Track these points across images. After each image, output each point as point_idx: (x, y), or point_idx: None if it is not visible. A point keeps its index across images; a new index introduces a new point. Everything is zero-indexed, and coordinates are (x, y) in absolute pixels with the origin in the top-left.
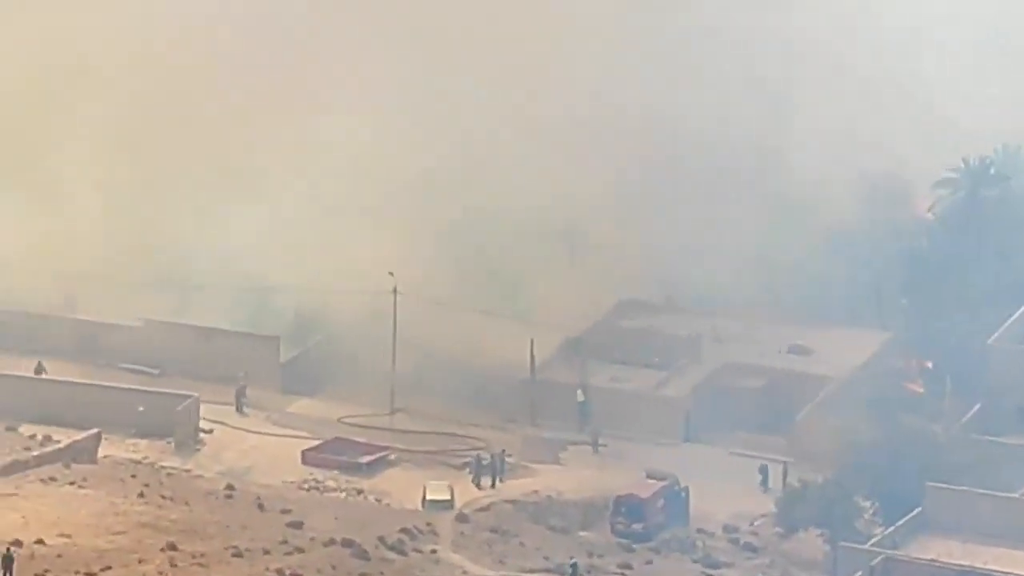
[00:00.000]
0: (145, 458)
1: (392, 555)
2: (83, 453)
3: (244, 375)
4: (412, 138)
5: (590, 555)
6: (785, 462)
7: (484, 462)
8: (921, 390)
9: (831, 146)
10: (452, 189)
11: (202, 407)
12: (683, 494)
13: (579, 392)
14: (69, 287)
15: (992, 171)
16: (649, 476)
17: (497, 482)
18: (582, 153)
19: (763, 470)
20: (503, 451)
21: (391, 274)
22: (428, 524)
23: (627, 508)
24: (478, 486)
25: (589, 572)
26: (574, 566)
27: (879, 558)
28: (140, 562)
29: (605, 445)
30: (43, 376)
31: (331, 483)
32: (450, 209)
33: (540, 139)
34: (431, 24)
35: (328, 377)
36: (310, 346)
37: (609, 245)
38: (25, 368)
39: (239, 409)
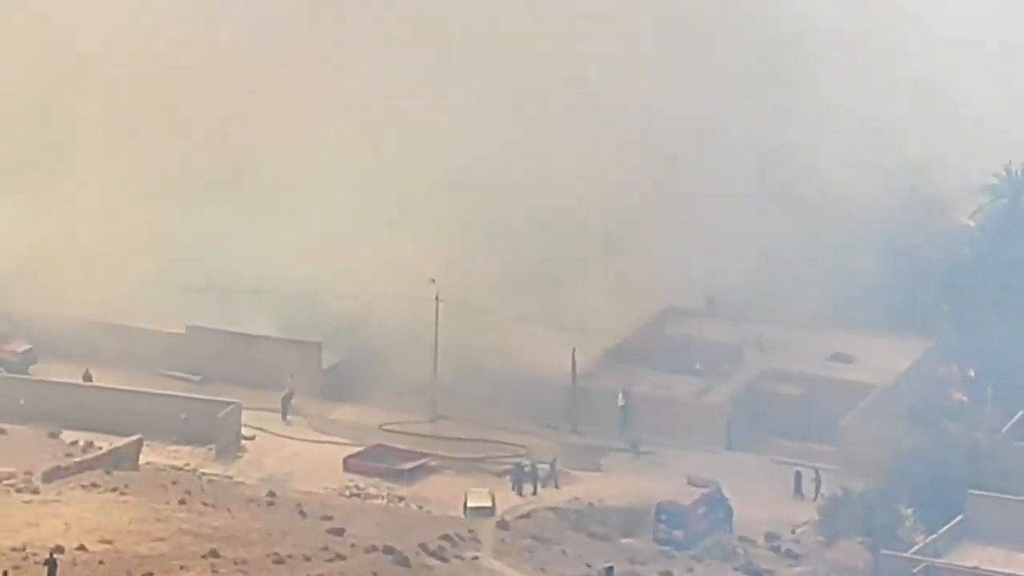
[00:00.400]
0: (187, 465)
1: (433, 562)
2: (124, 460)
3: (291, 381)
4: (451, 142)
5: (631, 562)
6: (817, 469)
7: (526, 469)
8: (963, 398)
9: (872, 152)
10: (492, 194)
11: (244, 414)
12: (726, 502)
13: (620, 396)
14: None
15: None
16: (690, 483)
17: (539, 489)
18: (623, 157)
19: (797, 477)
20: (555, 460)
21: (433, 281)
22: (469, 531)
23: (668, 515)
24: (519, 493)
25: None
26: (609, 570)
27: (921, 566)
28: (182, 568)
29: (649, 452)
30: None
31: (372, 490)
32: (491, 215)
33: (580, 143)
34: (462, 24)
35: (370, 384)
36: (351, 353)
37: (651, 251)
38: (68, 375)
39: (285, 416)
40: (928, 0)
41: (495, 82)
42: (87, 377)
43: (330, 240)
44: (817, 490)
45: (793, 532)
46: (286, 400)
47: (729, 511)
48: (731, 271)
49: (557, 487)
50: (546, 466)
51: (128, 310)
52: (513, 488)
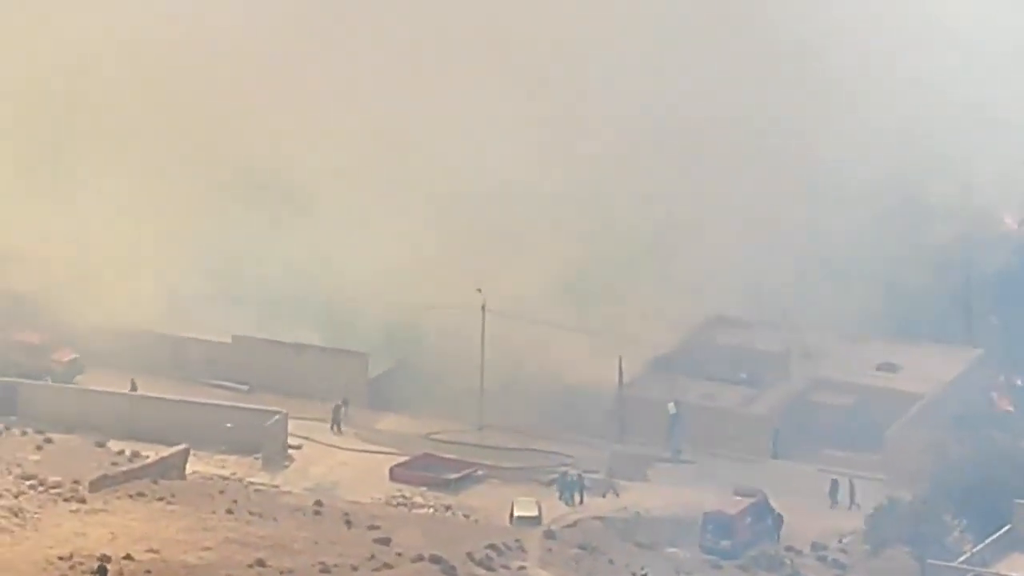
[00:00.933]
0: (233, 474)
1: (480, 571)
2: (171, 469)
3: (345, 400)
4: (493, 152)
5: (678, 572)
6: (851, 478)
7: (570, 478)
8: (1010, 407)
9: (921, 162)
10: (536, 202)
11: (290, 423)
12: (773, 511)
13: (671, 405)
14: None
15: None
16: (737, 493)
17: (584, 498)
18: (666, 165)
19: (833, 485)
20: (610, 470)
21: (479, 291)
22: (516, 540)
23: (715, 525)
24: (567, 503)
25: None
26: None
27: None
28: None
29: (691, 461)
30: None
31: (419, 499)
32: (535, 223)
33: (623, 149)
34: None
35: (416, 393)
36: (398, 362)
37: (698, 259)
38: (115, 384)
39: (336, 426)
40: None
41: (535, 87)
42: (133, 387)
43: (375, 249)
44: (852, 498)
45: (840, 541)
46: (337, 411)
47: (779, 520)
48: (778, 280)
49: (617, 495)
50: (596, 475)
51: (172, 319)
52: (560, 498)
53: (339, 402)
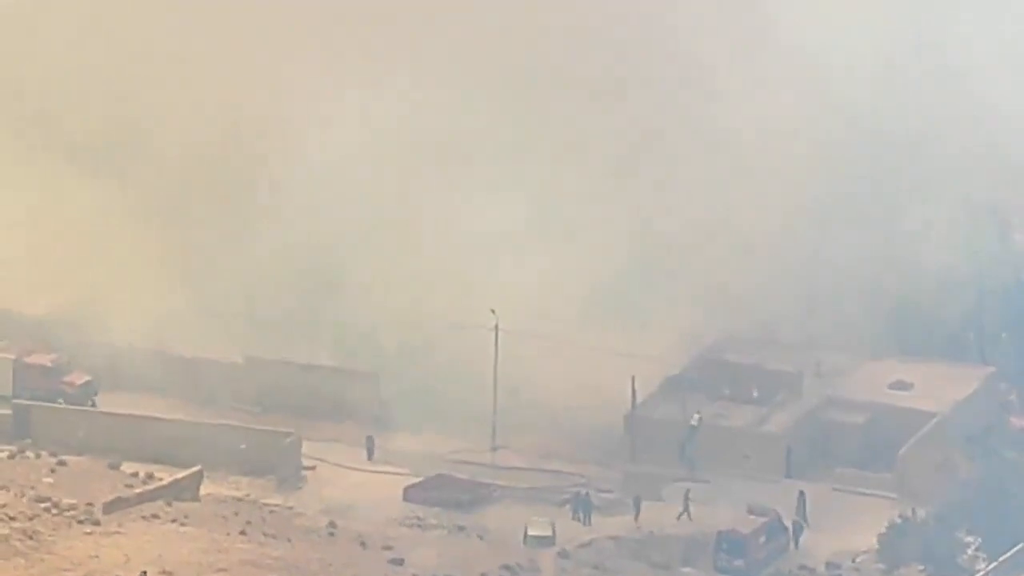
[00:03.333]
0: (247, 495)
1: None
2: (185, 491)
3: (371, 437)
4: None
5: None
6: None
7: (583, 498)
8: (1023, 424)
9: (928, 178)
10: (552, 220)
11: (304, 444)
12: (787, 530)
13: (695, 416)
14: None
15: None
16: (751, 512)
17: (594, 518)
18: (675, 180)
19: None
20: (638, 497)
21: (493, 312)
22: (530, 560)
23: (729, 544)
24: (583, 522)
25: None
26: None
27: None
28: None
29: (706, 481)
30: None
31: (433, 520)
32: (550, 241)
33: (637, 170)
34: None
35: (429, 414)
36: (411, 382)
37: (710, 277)
38: (129, 406)
39: (370, 456)
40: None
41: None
42: None
43: (389, 269)
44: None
45: (854, 560)
46: (370, 440)
47: (799, 528)
48: (790, 298)
49: (636, 520)
50: (610, 495)
51: (183, 340)
52: (574, 517)
53: (371, 434)
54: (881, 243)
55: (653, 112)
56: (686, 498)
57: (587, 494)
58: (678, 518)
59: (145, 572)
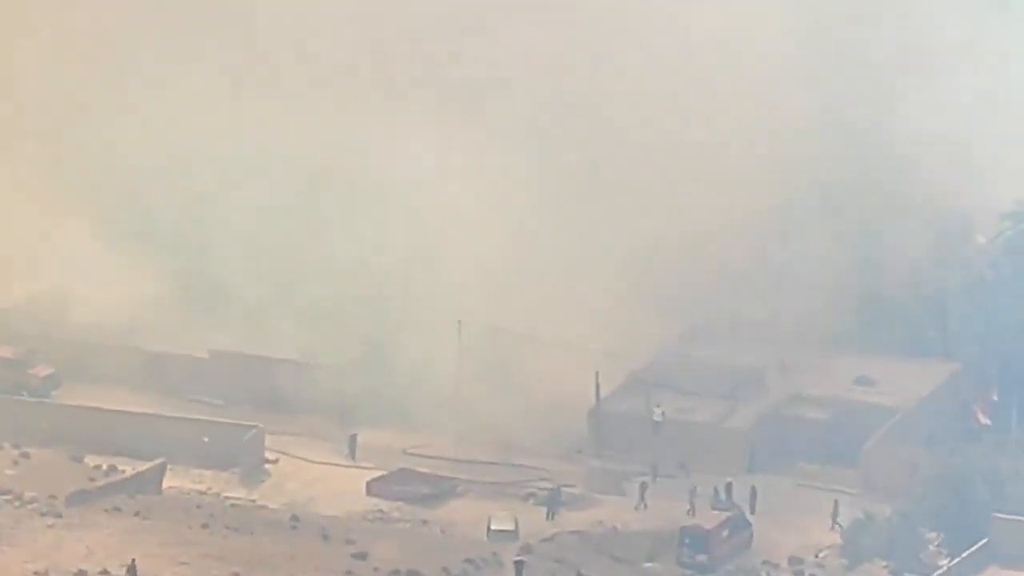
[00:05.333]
0: (210, 489)
1: None
2: (148, 484)
3: (354, 436)
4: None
5: None
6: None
7: (541, 492)
8: (987, 421)
9: (894, 176)
10: (516, 217)
11: (267, 438)
12: (750, 526)
13: (657, 411)
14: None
15: None
16: (714, 507)
17: (556, 514)
18: (639, 178)
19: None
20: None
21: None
22: (493, 554)
23: (692, 539)
24: (550, 518)
25: None
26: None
27: None
28: None
29: (671, 476)
30: None
31: (396, 513)
32: (515, 238)
33: (604, 167)
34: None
35: (393, 408)
36: (375, 376)
37: (673, 272)
38: (91, 399)
39: (353, 455)
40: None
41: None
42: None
43: (355, 263)
44: (834, 518)
45: (816, 556)
46: (352, 440)
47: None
48: (753, 293)
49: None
50: (574, 490)
51: (148, 333)
52: (548, 516)
53: (353, 433)
54: (846, 241)
55: (619, 113)
56: (642, 489)
57: (558, 489)
58: (635, 508)
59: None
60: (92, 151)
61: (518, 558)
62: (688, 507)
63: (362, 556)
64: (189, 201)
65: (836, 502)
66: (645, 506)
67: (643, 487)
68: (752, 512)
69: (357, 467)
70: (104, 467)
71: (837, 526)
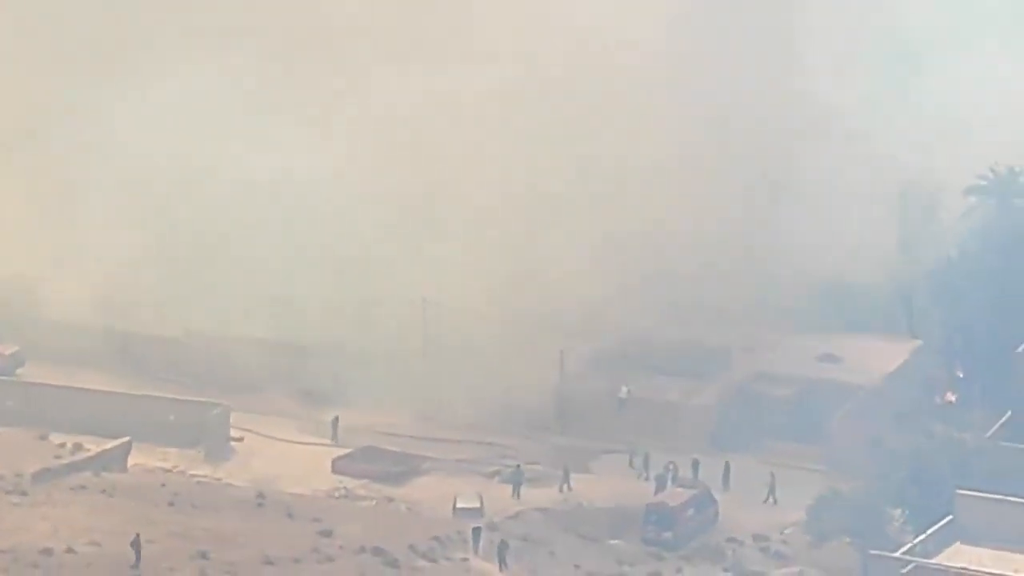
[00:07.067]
0: (175, 467)
1: (422, 563)
2: (113, 462)
3: (336, 418)
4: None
5: (620, 563)
6: (772, 473)
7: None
8: (951, 398)
9: (860, 153)
10: (491, 199)
11: (232, 416)
12: (715, 503)
13: (624, 389)
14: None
15: (1021, 181)
16: (679, 485)
17: (523, 491)
18: (615, 163)
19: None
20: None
21: (424, 299)
22: (458, 532)
23: (657, 516)
24: (516, 495)
25: None
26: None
27: (909, 566)
28: (170, 570)
29: (637, 454)
30: None
31: (361, 491)
32: (479, 216)
33: (570, 147)
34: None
35: (360, 386)
36: (341, 355)
37: (641, 251)
38: (56, 377)
39: (334, 438)
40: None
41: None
42: None
43: (324, 243)
44: (771, 493)
45: (781, 533)
46: (335, 422)
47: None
48: (719, 272)
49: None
50: (539, 467)
51: (116, 313)
52: (514, 494)
53: (336, 416)
54: (812, 220)
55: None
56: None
57: (519, 467)
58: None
59: None
60: (64, 141)
61: (476, 526)
62: (513, 491)
63: (328, 534)
64: (160, 185)
65: (772, 475)
66: (647, 478)
67: (646, 458)
68: (726, 489)
69: (323, 444)
70: (69, 445)
71: (771, 499)
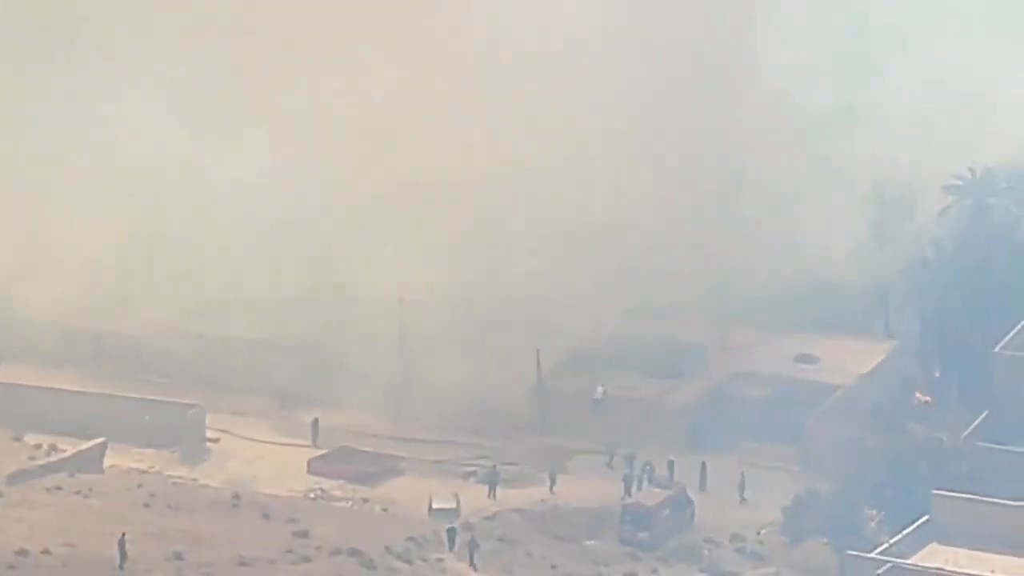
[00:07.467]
0: (151, 467)
1: (398, 564)
2: (89, 462)
3: (316, 420)
4: (421, 147)
5: (596, 564)
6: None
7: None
8: (928, 398)
9: (837, 152)
10: (463, 198)
11: (208, 416)
12: (691, 504)
13: (599, 389)
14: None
15: (998, 180)
16: (656, 485)
17: (499, 491)
18: (585, 156)
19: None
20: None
21: (400, 300)
22: (434, 532)
23: (633, 517)
24: (491, 496)
25: None
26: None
27: (886, 567)
28: (146, 571)
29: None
30: None
31: (337, 492)
32: (454, 217)
33: (549, 148)
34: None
35: (336, 386)
36: (318, 355)
37: (617, 251)
38: (31, 378)
39: (314, 441)
40: None
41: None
42: None
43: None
44: (741, 492)
45: (758, 533)
46: (315, 424)
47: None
48: (696, 272)
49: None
50: (517, 467)
51: (94, 312)
52: (490, 494)
53: (315, 417)
54: (787, 219)
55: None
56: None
57: (495, 467)
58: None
59: None
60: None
61: (451, 526)
62: (489, 491)
63: (303, 534)
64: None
65: (742, 474)
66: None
67: (631, 458)
68: (703, 489)
69: (299, 445)
70: (44, 446)
71: (741, 498)
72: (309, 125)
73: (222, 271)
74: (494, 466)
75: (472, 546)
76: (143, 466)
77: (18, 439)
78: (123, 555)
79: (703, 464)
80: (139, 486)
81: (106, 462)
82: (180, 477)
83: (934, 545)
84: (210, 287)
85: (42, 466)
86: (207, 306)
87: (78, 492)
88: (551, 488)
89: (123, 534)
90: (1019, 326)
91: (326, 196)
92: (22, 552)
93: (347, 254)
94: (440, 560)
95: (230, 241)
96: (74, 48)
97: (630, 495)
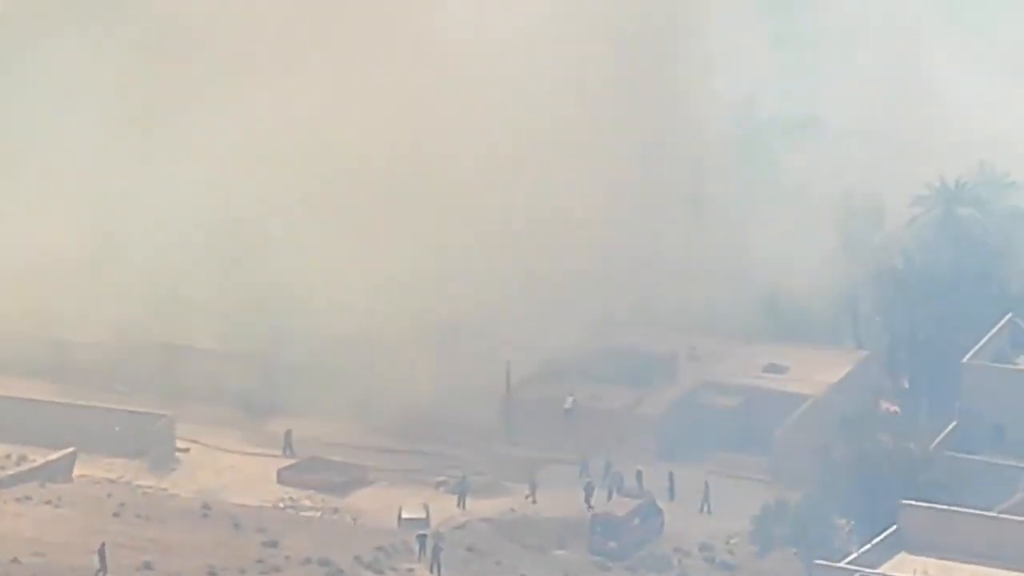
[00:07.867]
0: (120, 477)
1: (368, 574)
2: (58, 472)
3: (289, 432)
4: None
5: (565, 574)
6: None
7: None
8: (896, 408)
9: (807, 162)
10: (430, 206)
11: (177, 426)
12: (661, 513)
13: (569, 399)
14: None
15: (967, 190)
16: (625, 494)
17: (468, 501)
18: (559, 169)
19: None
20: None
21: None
22: (403, 542)
23: (603, 526)
24: (461, 505)
25: None
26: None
27: None
28: None
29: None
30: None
31: (307, 502)
32: (427, 224)
33: (518, 153)
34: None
35: (305, 396)
36: (288, 364)
37: (584, 261)
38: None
39: (286, 451)
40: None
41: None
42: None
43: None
44: (705, 501)
45: (727, 543)
46: (287, 436)
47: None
48: (664, 282)
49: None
50: (485, 477)
51: (56, 321)
52: (459, 504)
53: (288, 429)
54: (756, 229)
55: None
56: (530, 485)
57: (465, 477)
58: (527, 498)
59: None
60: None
61: (421, 532)
62: (459, 501)
63: (273, 544)
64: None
65: (706, 483)
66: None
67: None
68: (672, 498)
69: (268, 455)
70: (14, 456)
71: (706, 506)
72: (264, 124)
73: (177, 276)
74: (464, 476)
75: (436, 552)
76: (113, 476)
77: None
78: (103, 564)
79: (671, 474)
80: (109, 496)
81: (76, 471)
82: (150, 487)
83: (903, 555)
84: (176, 296)
85: (11, 476)
86: (173, 314)
87: (48, 502)
88: (530, 498)
89: (103, 544)
90: (988, 336)
91: (275, 196)
92: None
93: (298, 256)
94: (410, 570)
95: (194, 249)
96: (23, 61)
97: (590, 505)
